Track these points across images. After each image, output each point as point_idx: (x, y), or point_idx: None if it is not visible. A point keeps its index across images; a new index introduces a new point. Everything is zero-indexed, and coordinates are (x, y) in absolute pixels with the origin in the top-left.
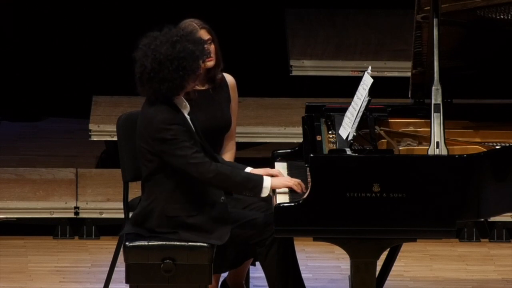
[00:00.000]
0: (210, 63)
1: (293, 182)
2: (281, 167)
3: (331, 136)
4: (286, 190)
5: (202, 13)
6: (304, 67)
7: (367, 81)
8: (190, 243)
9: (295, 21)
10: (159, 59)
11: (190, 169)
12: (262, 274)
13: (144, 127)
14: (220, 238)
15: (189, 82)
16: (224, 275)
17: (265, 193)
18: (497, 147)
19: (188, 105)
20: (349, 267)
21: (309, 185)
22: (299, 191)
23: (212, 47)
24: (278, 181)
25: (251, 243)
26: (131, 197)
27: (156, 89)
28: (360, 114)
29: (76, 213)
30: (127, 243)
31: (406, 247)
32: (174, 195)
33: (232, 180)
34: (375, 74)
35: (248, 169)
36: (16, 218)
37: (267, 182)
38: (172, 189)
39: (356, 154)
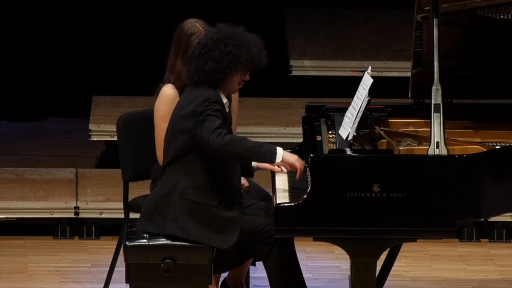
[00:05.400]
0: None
1: (300, 165)
2: None
3: (331, 136)
4: (286, 188)
5: (202, 13)
6: (304, 67)
7: (367, 81)
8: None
9: (295, 21)
10: (216, 38)
11: (208, 138)
12: (262, 274)
13: (188, 102)
14: (225, 243)
15: (233, 73)
16: (224, 275)
17: (278, 158)
18: (497, 147)
19: (228, 103)
20: (349, 267)
21: (309, 185)
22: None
23: None
24: (290, 156)
25: (252, 242)
26: (131, 197)
27: (199, 66)
28: (360, 114)
29: (76, 213)
30: (127, 243)
31: (406, 247)
32: (197, 180)
33: (244, 145)
34: (375, 74)
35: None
36: (16, 218)
37: (280, 150)
38: (197, 175)
39: (356, 154)
